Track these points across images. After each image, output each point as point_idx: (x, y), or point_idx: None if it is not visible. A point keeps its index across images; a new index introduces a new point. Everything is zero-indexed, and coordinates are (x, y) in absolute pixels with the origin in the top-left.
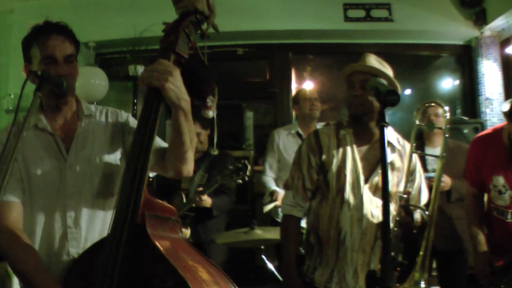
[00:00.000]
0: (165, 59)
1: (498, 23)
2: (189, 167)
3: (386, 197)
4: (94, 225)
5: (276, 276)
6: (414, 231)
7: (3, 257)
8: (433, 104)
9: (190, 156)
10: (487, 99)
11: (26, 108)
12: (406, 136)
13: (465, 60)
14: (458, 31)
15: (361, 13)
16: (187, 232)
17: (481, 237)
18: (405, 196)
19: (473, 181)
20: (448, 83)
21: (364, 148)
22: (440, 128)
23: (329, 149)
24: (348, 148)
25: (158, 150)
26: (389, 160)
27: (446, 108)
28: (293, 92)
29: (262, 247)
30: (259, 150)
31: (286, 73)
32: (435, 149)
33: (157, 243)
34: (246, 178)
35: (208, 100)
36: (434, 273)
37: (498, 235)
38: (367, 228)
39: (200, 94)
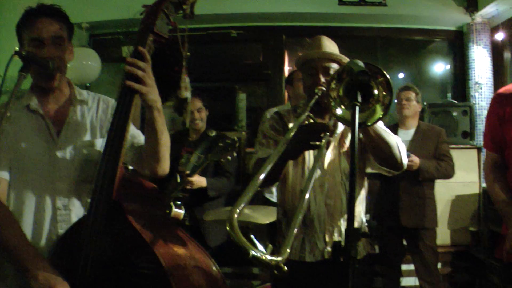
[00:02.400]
0: (144, 40)
1: (488, 10)
2: (164, 166)
3: (353, 168)
4: (83, 209)
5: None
6: None
7: None
8: (405, 88)
9: (166, 155)
10: (476, 83)
11: (22, 90)
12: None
13: (456, 46)
14: (451, 17)
15: None
16: (180, 213)
17: None
18: None
19: (494, 143)
20: (440, 67)
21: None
22: None
23: (289, 123)
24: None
25: (138, 148)
26: (339, 131)
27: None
28: (286, 74)
29: (250, 226)
30: (252, 131)
31: (279, 55)
32: (408, 131)
33: (131, 219)
34: (235, 154)
35: (182, 81)
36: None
37: None
38: (329, 193)
39: (173, 76)
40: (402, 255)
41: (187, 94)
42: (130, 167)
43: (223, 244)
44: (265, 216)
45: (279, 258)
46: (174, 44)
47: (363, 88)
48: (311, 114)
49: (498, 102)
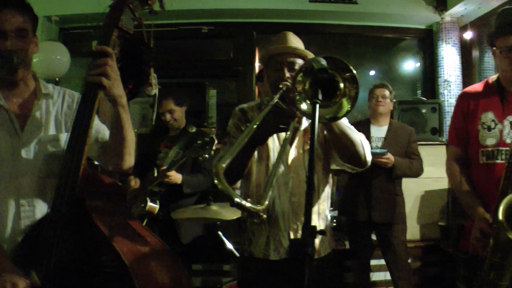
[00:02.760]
0: (109, 35)
1: (457, 10)
2: (128, 162)
3: (311, 166)
4: (47, 205)
5: (234, 252)
6: None
7: None
8: (380, 85)
9: (130, 151)
10: (445, 81)
11: None
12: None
13: (426, 44)
14: (420, 15)
15: None
16: (155, 207)
17: (479, 208)
18: None
19: (458, 139)
20: (410, 65)
21: None
22: None
23: (253, 119)
24: None
25: (104, 144)
26: (303, 127)
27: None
28: (257, 71)
29: (218, 222)
30: (222, 128)
31: (250, 52)
32: (381, 128)
33: (95, 217)
34: (212, 152)
35: (150, 78)
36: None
37: (483, 186)
38: (294, 190)
39: (139, 74)
40: (372, 251)
41: (155, 90)
42: (96, 163)
43: (194, 241)
44: (233, 213)
45: (259, 207)
46: (141, 40)
47: (329, 84)
48: (279, 102)
49: (464, 99)
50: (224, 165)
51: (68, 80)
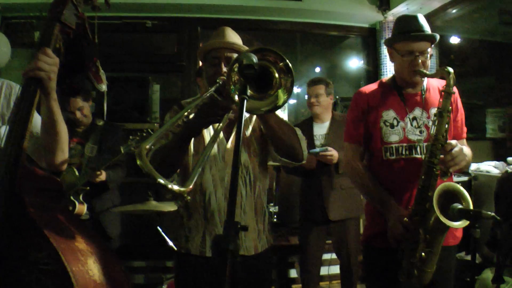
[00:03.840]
0: (51, 29)
1: (400, 9)
2: (61, 158)
3: (236, 161)
4: None
5: (173, 248)
6: None
7: None
8: (313, 82)
9: (64, 147)
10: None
11: None
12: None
13: (370, 42)
14: (364, 14)
15: None
16: (83, 208)
17: (394, 202)
18: None
19: (359, 135)
20: (354, 63)
21: None
22: None
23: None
24: None
25: (37, 138)
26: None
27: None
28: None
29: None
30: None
31: (194, 47)
32: (323, 124)
33: (32, 213)
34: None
35: (100, 73)
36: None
37: (387, 181)
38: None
39: (83, 70)
40: (323, 247)
41: (104, 86)
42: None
43: (122, 233)
44: (171, 206)
45: (183, 189)
46: (84, 36)
47: (264, 76)
48: (215, 94)
49: (362, 98)
50: (147, 146)
51: (9, 71)
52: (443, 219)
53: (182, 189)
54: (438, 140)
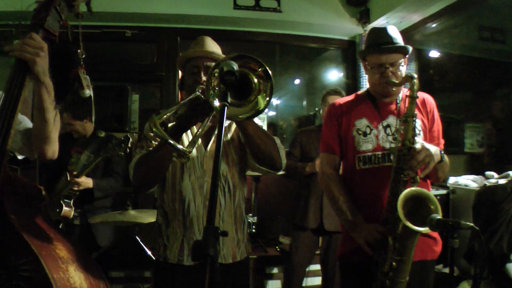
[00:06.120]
0: None
1: (380, 23)
2: (53, 148)
3: (216, 168)
4: None
5: (151, 257)
6: None
7: None
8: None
9: (54, 137)
10: None
11: None
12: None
13: (349, 55)
14: (344, 27)
15: (250, 2)
16: (70, 211)
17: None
18: None
19: (334, 145)
20: (334, 75)
21: None
22: None
23: (169, 123)
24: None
25: (26, 131)
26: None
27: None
28: (180, 76)
29: (136, 228)
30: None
31: (173, 57)
32: None
33: (13, 218)
34: (128, 150)
35: (82, 80)
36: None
37: (359, 192)
38: (209, 194)
39: (70, 76)
40: (312, 258)
41: (89, 92)
42: (20, 157)
43: (111, 243)
44: (151, 216)
45: (187, 149)
46: (68, 43)
47: (243, 83)
48: (201, 95)
49: (336, 108)
50: (159, 120)
51: None
52: (408, 224)
53: (186, 149)
54: (405, 145)
